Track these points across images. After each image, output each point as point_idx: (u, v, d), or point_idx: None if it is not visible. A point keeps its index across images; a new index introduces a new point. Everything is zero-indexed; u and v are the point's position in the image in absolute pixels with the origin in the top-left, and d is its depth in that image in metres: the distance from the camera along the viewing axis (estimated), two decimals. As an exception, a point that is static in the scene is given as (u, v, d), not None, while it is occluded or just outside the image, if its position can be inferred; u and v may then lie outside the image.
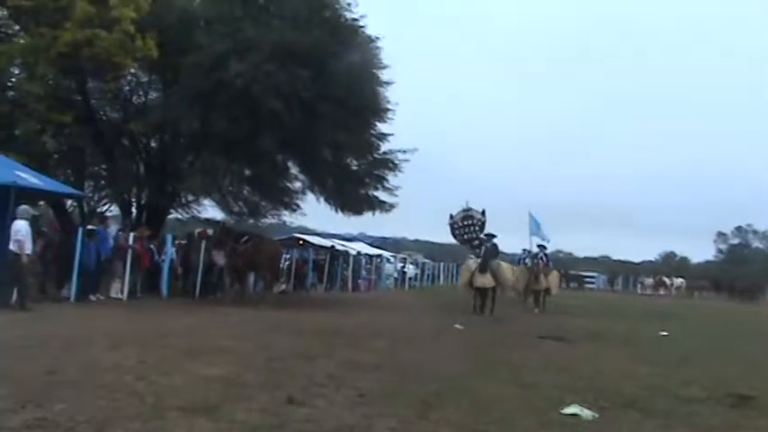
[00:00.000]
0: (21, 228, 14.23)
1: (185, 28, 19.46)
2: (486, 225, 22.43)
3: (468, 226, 22.53)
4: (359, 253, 36.70)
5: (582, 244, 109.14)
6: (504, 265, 22.30)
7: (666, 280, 62.15)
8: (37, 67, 18.09)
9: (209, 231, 21.93)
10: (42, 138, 19.43)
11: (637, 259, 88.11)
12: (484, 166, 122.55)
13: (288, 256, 29.13)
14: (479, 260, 21.05)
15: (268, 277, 21.95)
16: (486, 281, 20.78)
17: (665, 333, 17.12)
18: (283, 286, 27.35)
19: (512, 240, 30.17)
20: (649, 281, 64.16)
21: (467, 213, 22.70)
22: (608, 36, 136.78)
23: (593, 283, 65.62)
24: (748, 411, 7.55)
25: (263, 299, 20.14)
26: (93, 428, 5.33)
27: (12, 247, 14.15)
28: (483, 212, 22.67)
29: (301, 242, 33.07)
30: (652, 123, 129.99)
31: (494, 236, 22.01)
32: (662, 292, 58.98)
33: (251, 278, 22.87)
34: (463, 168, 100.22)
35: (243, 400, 6.54)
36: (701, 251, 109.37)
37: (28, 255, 14.37)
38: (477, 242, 22.31)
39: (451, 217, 22.89)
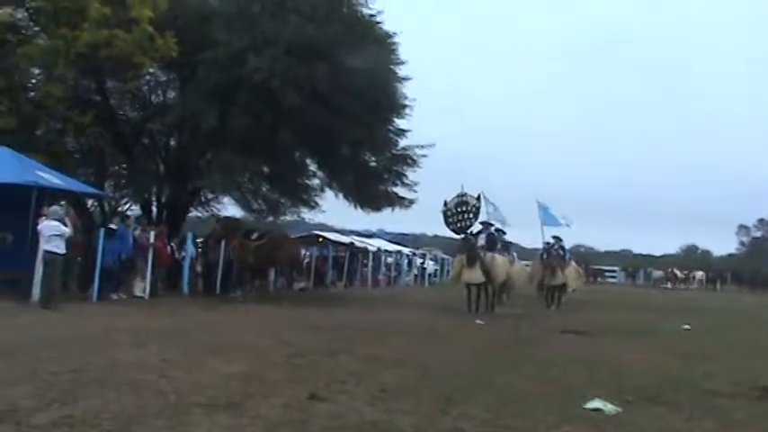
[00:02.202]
0: (60, 227, 14.37)
1: (203, 25, 19.59)
2: (482, 211, 20.11)
3: (463, 212, 19.96)
4: (378, 249, 36.70)
5: (603, 238, 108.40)
6: (499, 259, 19.82)
7: (678, 273, 61.52)
8: (56, 68, 18.21)
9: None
10: (63, 138, 19.61)
11: (658, 253, 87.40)
12: (502, 159, 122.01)
13: (308, 253, 29.22)
14: (466, 252, 19.05)
15: (289, 275, 21.78)
16: (473, 276, 18.72)
17: (687, 326, 16.96)
18: (303, 283, 27.42)
19: (533, 235, 29.29)
20: (658, 273, 63.49)
21: (461, 199, 20.11)
22: (630, 27, 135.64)
23: (614, 277, 65.25)
24: (774, 405, 7.47)
25: (283, 296, 20.14)
26: (117, 426, 5.35)
27: (47, 247, 14.25)
28: (478, 197, 20.06)
29: (321, 239, 33.11)
30: (672, 115, 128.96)
31: (491, 224, 20.31)
32: (682, 285, 58.53)
33: (271, 275, 22.74)
34: (482, 163, 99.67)
35: (265, 396, 6.55)
36: (723, 244, 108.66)
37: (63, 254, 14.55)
38: (475, 231, 19.91)
39: (445, 204, 20.29)
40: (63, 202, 18.81)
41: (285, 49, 18.53)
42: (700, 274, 61.70)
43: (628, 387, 7.98)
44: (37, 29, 20.23)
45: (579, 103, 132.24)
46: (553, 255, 23.26)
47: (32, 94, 19.88)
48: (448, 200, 20.32)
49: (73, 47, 17.78)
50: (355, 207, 24.01)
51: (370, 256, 34.66)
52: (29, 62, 18.86)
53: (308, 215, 28.27)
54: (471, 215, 19.97)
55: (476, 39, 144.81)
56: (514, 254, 23.68)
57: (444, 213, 20.30)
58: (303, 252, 28.71)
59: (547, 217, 25.74)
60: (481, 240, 19.75)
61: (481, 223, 20.07)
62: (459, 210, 20.02)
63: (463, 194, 20.23)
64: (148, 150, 23.50)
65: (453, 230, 20.63)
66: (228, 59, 18.79)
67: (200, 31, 19.51)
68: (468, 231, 19.80)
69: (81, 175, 21.24)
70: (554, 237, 24.19)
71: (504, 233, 21.55)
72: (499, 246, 20.57)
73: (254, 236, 20.13)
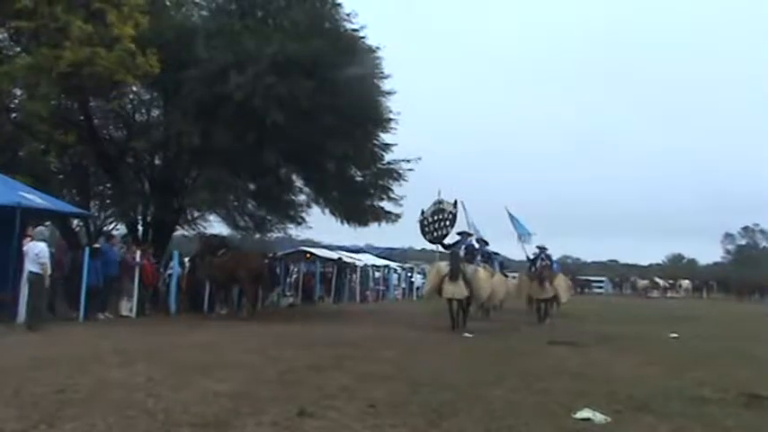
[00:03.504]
0: (44, 249, 14.27)
1: (185, 43, 19.53)
2: (459, 217, 19.35)
3: (439, 221, 19.31)
4: (366, 264, 36.65)
5: (589, 249, 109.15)
6: (482, 273, 18.23)
7: (659, 281, 61.85)
8: (39, 87, 18.12)
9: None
10: (47, 158, 19.50)
11: (644, 262, 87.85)
12: (488, 172, 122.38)
13: (295, 269, 29.19)
14: (450, 265, 17.21)
15: (250, 291, 20.97)
16: (456, 290, 16.90)
17: (675, 335, 17.02)
18: (291, 299, 27.36)
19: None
20: (644, 282, 63.87)
21: (438, 207, 19.54)
22: (604, 40, 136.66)
23: (601, 287, 65.53)
24: (763, 411, 7.49)
25: (271, 313, 19.95)
26: (104, 447, 5.31)
27: (32, 268, 14.16)
28: (455, 204, 19.44)
29: (308, 255, 33.05)
30: (656, 124, 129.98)
31: (469, 234, 18.87)
32: (669, 294, 58.87)
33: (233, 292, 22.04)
34: (468, 176, 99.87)
35: (254, 414, 6.49)
36: (708, 253, 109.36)
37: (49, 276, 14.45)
38: (453, 241, 18.46)
39: (422, 213, 19.73)
40: (48, 223, 18.75)
41: (268, 65, 18.46)
42: (686, 282, 62.10)
43: (617, 396, 7.99)
44: (18, 49, 20.18)
45: (567, 113, 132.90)
46: (541, 266, 22.08)
47: (14, 115, 19.80)
48: (425, 208, 19.98)
49: (55, 66, 17.69)
50: (342, 222, 23.88)
51: (358, 271, 34.63)
52: (10, 82, 18.76)
53: (294, 231, 28.13)
54: (448, 223, 19.44)
55: (465, 50, 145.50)
56: (497, 266, 23.09)
57: (421, 222, 19.97)
58: (291, 268, 28.76)
59: (520, 228, 25.27)
60: (460, 251, 18.21)
61: (459, 233, 18.95)
62: (435, 218, 19.58)
63: (440, 201, 19.90)
64: (133, 169, 23.39)
65: (429, 240, 20.08)
66: (211, 77, 18.74)
67: (183, 48, 19.44)
68: (444, 241, 19.05)
69: (65, 196, 21.16)
70: (539, 247, 23.02)
71: (486, 243, 21.19)
72: (479, 257, 19.47)
73: (220, 252, 19.93)
